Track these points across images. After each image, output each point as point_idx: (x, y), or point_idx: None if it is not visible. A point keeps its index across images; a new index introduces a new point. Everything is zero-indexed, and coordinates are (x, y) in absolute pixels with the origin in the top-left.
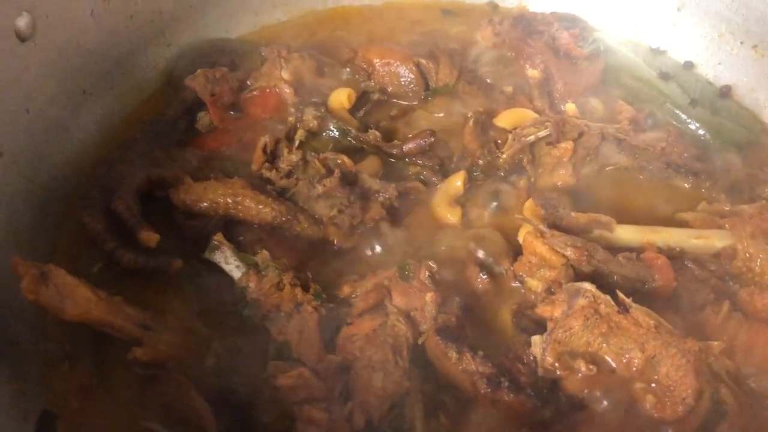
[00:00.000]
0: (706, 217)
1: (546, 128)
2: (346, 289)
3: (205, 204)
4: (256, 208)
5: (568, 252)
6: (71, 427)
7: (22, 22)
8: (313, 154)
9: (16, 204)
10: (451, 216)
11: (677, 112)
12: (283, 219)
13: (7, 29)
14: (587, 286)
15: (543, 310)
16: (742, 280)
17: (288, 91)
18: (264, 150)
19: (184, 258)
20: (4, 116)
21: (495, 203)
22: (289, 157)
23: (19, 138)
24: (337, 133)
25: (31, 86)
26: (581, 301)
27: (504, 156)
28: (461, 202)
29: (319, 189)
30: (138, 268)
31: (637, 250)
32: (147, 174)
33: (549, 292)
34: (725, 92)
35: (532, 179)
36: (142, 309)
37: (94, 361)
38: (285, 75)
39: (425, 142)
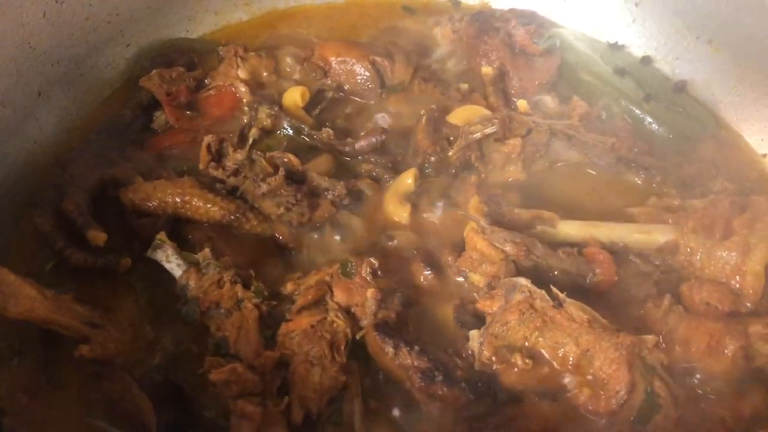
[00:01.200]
0: (652, 212)
1: (493, 125)
2: (289, 286)
3: (154, 203)
4: (205, 206)
5: (507, 247)
6: (18, 424)
7: None
8: (258, 153)
9: None
10: (401, 213)
11: (631, 107)
12: (232, 217)
13: None
14: (523, 281)
15: (483, 305)
16: (683, 275)
17: (243, 89)
18: (209, 149)
19: (134, 257)
20: None
21: (445, 200)
22: (235, 156)
23: None
24: (291, 131)
25: None
26: (517, 296)
27: (450, 153)
28: (412, 199)
29: (264, 187)
30: (87, 266)
31: (580, 246)
32: (99, 174)
33: (490, 287)
34: (681, 87)
35: (483, 175)
36: (91, 307)
37: (42, 358)
38: (241, 74)
39: (376, 140)
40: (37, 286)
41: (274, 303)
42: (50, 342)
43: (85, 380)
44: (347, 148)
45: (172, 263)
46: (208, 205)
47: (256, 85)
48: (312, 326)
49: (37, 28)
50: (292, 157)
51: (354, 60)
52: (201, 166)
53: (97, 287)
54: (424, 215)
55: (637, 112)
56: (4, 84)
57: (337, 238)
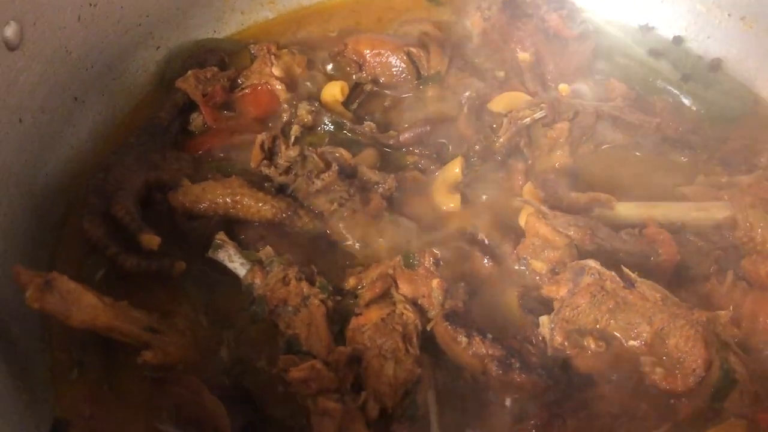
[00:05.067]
0: (704, 190)
1: (541, 110)
2: (351, 281)
3: (204, 205)
4: (256, 206)
5: (571, 232)
6: None
7: (10, 31)
8: (310, 148)
9: (14, 214)
10: (451, 202)
11: (669, 88)
12: (284, 215)
13: None
14: (591, 263)
15: (549, 291)
16: (744, 250)
17: (280, 87)
18: (262, 147)
19: (187, 259)
20: None
21: (494, 187)
22: (287, 153)
23: (13, 148)
24: (332, 127)
25: (22, 96)
26: (586, 279)
27: (501, 140)
28: (460, 188)
29: (318, 184)
30: (141, 272)
31: (639, 226)
32: (145, 177)
33: (553, 272)
34: (716, 65)
35: (530, 162)
36: (147, 312)
37: (103, 366)
38: (276, 71)
39: (422, 131)
40: (96, 293)
41: (339, 298)
42: (110, 350)
43: (149, 386)
44: (391, 141)
45: (236, 262)
46: (260, 204)
47: (291, 82)
48: (382, 319)
49: (72, 32)
50: (343, 151)
51: (389, 52)
52: (253, 165)
53: (151, 293)
54: (475, 203)
55: (676, 92)
56: (45, 90)
57: (391, 230)
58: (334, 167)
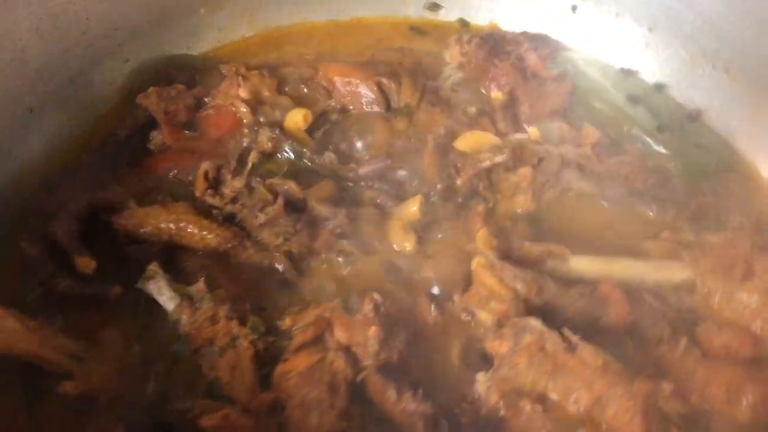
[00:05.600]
0: (668, 247)
1: (503, 154)
2: (287, 321)
3: (147, 230)
4: (200, 234)
5: (518, 285)
6: None
7: None
8: (258, 179)
9: None
10: (406, 243)
11: (644, 137)
12: (228, 246)
13: None
14: (533, 322)
15: (491, 346)
16: (700, 315)
17: (244, 110)
18: (206, 176)
19: (126, 284)
20: None
21: (452, 230)
22: (233, 184)
23: None
24: (292, 155)
25: None
26: (527, 338)
27: (459, 182)
28: (417, 228)
29: (261, 217)
30: (75, 295)
31: (593, 283)
32: (90, 198)
33: (498, 325)
34: (695, 116)
35: (491, 205)
36: (76, 338)
37: (22, 395)
38: (242, 93)
39: (382, 165)
40: (20, 317)
41: (272, 339)
42: (32, 377)
43: (68, 419)
44: (350, 174)
45: (164, 296)
46: (204, 233)
47: (257, 104)
48: (310, 367)
49: (30, 44)
50: (292, 184)
51: (359, 81)
52: (197, 194)
53: (84, 316)
54: (430, 245)
55: (650, 141)
56: None
57: (339, 269)
58: (280, 201)
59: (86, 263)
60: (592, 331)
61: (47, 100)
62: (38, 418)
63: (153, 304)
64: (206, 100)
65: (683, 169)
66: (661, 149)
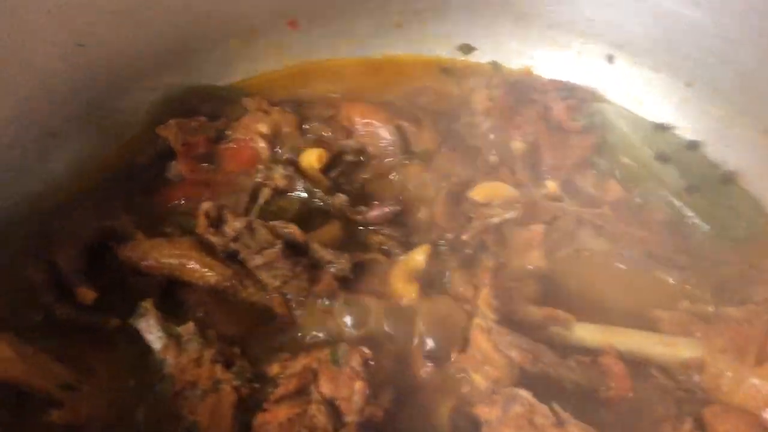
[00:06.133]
0: (681, 318)
1: (514, 210)
2: (275, 368)
3: (150, 262)
4: (201, 270)
5: (513, 353)
6: None
7: None
8: (259, 221)
9: None
10: (408, 293)
11: (671, 197)
12: (227, 284)
13: None
14: (523, 393)
15: (481, 411)
16: (709, 396)
17: (263, 145)
18: (207, 216)
19: (126, 316)
20: None
21: (457, 283)
22: (234, 224)
23: None
24: (304, 194)
25: None
26: (516, 408)
27: (465, 237)
28: (421, 278)
29: (258, 260)
30: (73, 324)
31: (596, 352)
32: (98, 226)
33: (492, 390)
34: (729, 178)
35: (501, 260)
36: (70, 367)
37: (12, 419)
38: (262, 128)
39: (389, 211)
40: (14, 343)
41: (257, 386)
42: (24, 402)
43: None
44: (359, 217)
45: (153, 335)
46: (205, 270)
47: (276, 140)
48: (289, 419)
49: (55, 71)
50: (294, 228)
51: (379, 123)
52: (198, 231)
53: (82, 344)
54: (432, 298)
55: (677, 203)
56: (15, 128)
57: (336, 316)
58: (279, 245)
59: (86, 294)
60: (589, 401)
61: (70, 125)
62: None
63: None
64: (227, 133)
65: (710, 234)
66: (688, 211)
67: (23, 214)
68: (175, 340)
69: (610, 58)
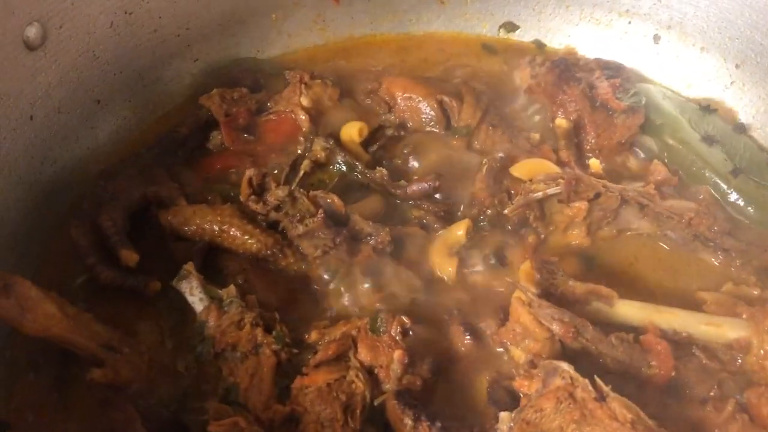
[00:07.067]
0: (726, 300)
1: (557, 185)
2: (313, 335)
3: (191, 228)
4: (242, 238)
5: (554, 326)
6: None
7: (32, 31)
8: (301, 191)
9: (16, 209)
10: (447, 267)
11: (717, 180)
12: (268, 252)
13: (16, 38)
14: (565, 366)
15: (520, 384)
16: (753, 378)
17: (303, 118)
18: (250, 183)
19: (167, 280)
20: (5, 122)
21: (497, 258)
22: (276, 192)
23: (21, 144)
24: (344, 167)
25: (38, 94)
26: (557, 382)
27: (506, 211)
28: (461, 253)
29: (300, 228)
30: (115, 286)
31: (638, 331)
32: (143, 191)
33: (531, 364)
34: None
35: (543, 236)
36: (112, 328)
37: (57, 375)
38: (303, 101)
39: (429, 186)
40: (59, 302)
41: (296, 351)
42: (68, 360)
43: (92, 405)
44: (398, 191)
45: (195, 297)
46: (246, 237)
47: (317, 113)
48: (328, 384)
49: (102, 38)
50: (335, 198)
51: (420, 98)
52: (241, 199)
53: (123, 307)
54: (472, 272)
55: (724, 185)
56: (63, 91)
57: (375, 287)
58: (320, 214)
59: (129, 256)
60: (630, 379)
61: (115, 93)
62: (67, 399)
63: (188, 303)
64: (268, 105)
65: (755, 218)
66: (733, 194)
67: (70, 179)
68: (216, 302)
69: (656, 38)
